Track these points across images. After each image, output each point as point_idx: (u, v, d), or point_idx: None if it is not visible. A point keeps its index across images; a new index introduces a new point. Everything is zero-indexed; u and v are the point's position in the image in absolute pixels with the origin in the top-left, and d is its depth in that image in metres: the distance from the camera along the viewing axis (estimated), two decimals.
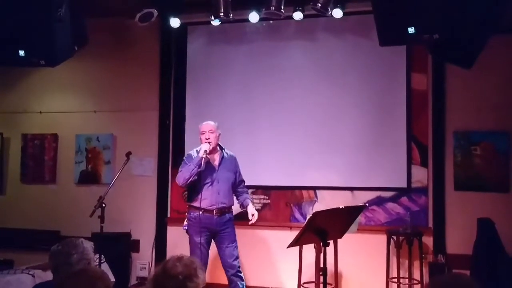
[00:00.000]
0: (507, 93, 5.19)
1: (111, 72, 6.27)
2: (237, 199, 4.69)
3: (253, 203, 4.72)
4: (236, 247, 4.52)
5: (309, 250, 4.80)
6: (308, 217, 3.46)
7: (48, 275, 2.57)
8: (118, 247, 5.68)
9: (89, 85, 6.35)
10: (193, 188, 4.44)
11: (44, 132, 6.43)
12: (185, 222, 4.50)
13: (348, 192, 5.49)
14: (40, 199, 6.37)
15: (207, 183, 4.41)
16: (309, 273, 5.17)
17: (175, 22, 5.64)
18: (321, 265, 3.63)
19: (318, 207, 5.39)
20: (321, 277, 3.58)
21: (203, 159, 4.30)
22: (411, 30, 3.03)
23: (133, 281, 5.92)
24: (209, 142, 4.41)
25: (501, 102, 5.20)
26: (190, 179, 4.37)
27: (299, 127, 5.63)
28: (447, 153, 5.32)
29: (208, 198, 4.39)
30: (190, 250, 4.44)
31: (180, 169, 4.54)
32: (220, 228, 4.44)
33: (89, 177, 6.22)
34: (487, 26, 3.22)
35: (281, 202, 5.60)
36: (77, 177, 6.28)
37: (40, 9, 3.38)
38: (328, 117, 5.59)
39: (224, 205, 4.45)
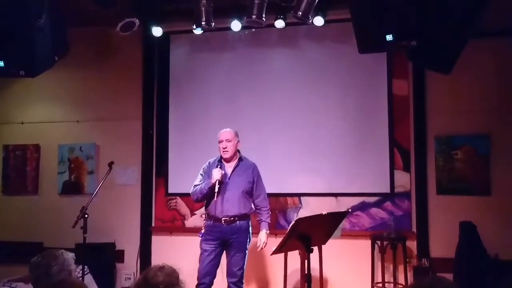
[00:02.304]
0: (487, 96, 5.28)
1: (93, 81, 6.24)
2: (257, 216, 4.54)
3: (268, 228, 4.47)
4: (244, 256, 4.38)
5: (294, 256, 4.81)
6: (291, 224, 3.47)
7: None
8: (103, 258, 5.64)
9: (71, 95, 6.31)
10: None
11: (26, 143, 6.36)
12: (202, 230, 4.43)
13: (332, 198, 5.52)
14: (22, 211, 6.29)
15: (219, 192, 4.32)
16: (294, 279, 5.19)
17: (157, 31, 5.64)
18: (306, 272, 3.65)
19: (303, 213, 5.41)
20: (306, 284, 3.59)
21: (217, 187, 4.24)
22: (389, 37, 3.08)
23: None
24: (225, 152, 4.37)
25: (481, 106, 5.28)
26: (202, 199, 4.40)
27: (282, 133, 5.66)
28: (429, 158, 5.38)
29: (217, 206, 4.31)
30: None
31: (195, 183, 4.46)
32: (230, 237, 4.33)
33: (72, 188, 6.17)
34: (464, 31, 3.28)
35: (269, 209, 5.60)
36: (60, 187, 6.22)
37: (20, 19, 3.36)
38: (311, 123, 5.63)
39: (234, 214, 4.32)
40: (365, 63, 5.38)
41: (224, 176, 4.34)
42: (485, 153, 5.24)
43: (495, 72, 5.28)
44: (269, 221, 4.51)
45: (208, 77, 5.94)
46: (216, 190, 4.24)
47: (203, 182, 4.40)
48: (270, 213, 4.56)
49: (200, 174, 4.51)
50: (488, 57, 5.27)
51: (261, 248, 4.40)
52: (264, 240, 4.38)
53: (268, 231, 4.43)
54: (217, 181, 4.25)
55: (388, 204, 5.42)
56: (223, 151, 4.38)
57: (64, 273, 2.42)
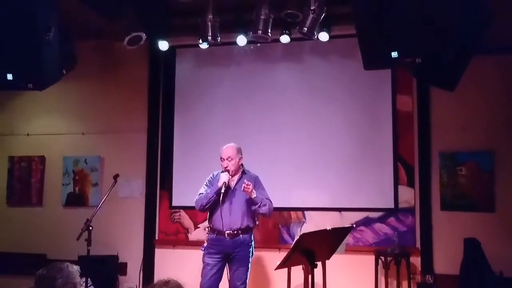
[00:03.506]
0: (491, 113, 5.29)
1: (99, 94, 6.28)
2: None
3: (261, 203, 4.36)
4: (247, 271, 4.35)
5: (298, 271, 4.79)
6: (295, 239, 3.47)
7: None
8: (105, 270, 5.62)
9: (77, 107, 6.34)
10: (210, 210, 4.41)
11: (31, 154, 6.39)
12: (205, 244, 4.42)
13: (336, 213, 5.50)
14: (26, 222, 6.29)
15: (222, 205, 4.29)
16: None
17: (163, 45, 5.69)
18: (310, 287, 3.64)
19: (307, 228, 5.39)
20: None
21: (223, 189, 4.24)
22: (394, 54, 3.10)
23: None
24: (227, 170, 4.37)
25: (485, 122, 5.29)
26: (207, 206, 4.36)
27: (286, 148, 5.67)
28: (433, 173, 5.38)
29: (220, 220, 4.28)
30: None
31: (200, 191, 4.46)
32: (233, 251, 4.31)
33: (76, 200, 6.18)
34: (468, 48, 3.31)
35: (269, 223, 5.60)
36: (64, 199, 6.23)
37: (28, 33, 3.41)
38: (315, 138, 5.64)
39: (237, 227, 4.31)
40: (370, 79, 5.40)
41: (228, 188, 4.34)
42: (489, 170, 5.23)
43: (499, 88, 5.29)
44: (263, 202, 4.37)
45: (213, 91, 5.97)
46: (222, 191, 4.22)
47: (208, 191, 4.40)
48: (269, 205, 4.42)
49: (205, 184, 4.51)
50: (493, 73, 5.29)
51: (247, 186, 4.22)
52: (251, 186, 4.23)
53: (253, 195, 4.29)
54: (224, 184, 4.24)
55: (392, 220, 5.40)
56: (225, 170, 4.38)
57: (68, 286, 2.41)
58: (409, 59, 3.17)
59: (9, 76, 3.39)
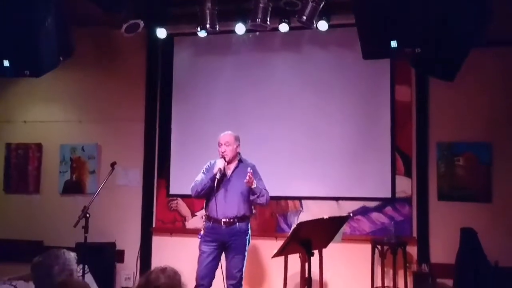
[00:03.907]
0: (490, 104, 5.29)
1: (96, 82, 6.25)
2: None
3: (260, 194, 4.39)
4: (243, 259, 4.36)
5: (295, 260, 4.81)
6: (292, 228, 3.48)
7: (31, 286, 2.55)
8: (103, 258, 5.63)
9: (74, 95, 6.32)
10: (207, 198, 4.42)
11: (28, 142, 6.38)
12: (201, 232, 4.43)
13: (333, 202, 5.52)
14: (24, 209, 6.30)
15: (217, 192, 4.31)
16: (294, 282, 5.19)
17: (161, 33, 5.66)
18: (306, 275, 3.66)
19: (304, 217, 5.41)
20: (306, 287, 3.60)
21: (218, 174, 4.25)
22: (393, 44, 3.08)
23: None
24: (224, 157, 4.36)
25: (484, 114, 5.29)
26: (202, 192, 4.36)
27: (284, 137, 5.67)
28: (431, 164, 5.39)
29: (216, 208, 4.29)
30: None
31: (196, 179, 4.46)
32: (229, 239, 4.32)
33: (73, 187, 6.18)
34: (468, 39, 3.29)
35: (266, 212, 5.62)
36: (61, 187, 6.23)
37: (26, 20, 3.38)
38: (313, 127, 5.63)
39: (233, 215, 4.32)
40: (368, 69, 5.39)
41: (224, 176, 4.34)
42: (486, 161, 5.24)
43: (498, 80, 5.29)
44: (262, 193, 4.39)
45: (211, 80, 5.95)
46: (218, 176, 4.22)
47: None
48: (266, 196, 4.44)
49: (202, 172, 4.51)
50: (492, 65, 5.28)
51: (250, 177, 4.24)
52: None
53: (254, 185, 4.30)
54: (219, 170, 4.24)
55: (389, 209, 5.42)
56: (222, 155, 4.38)
57: (65, 273, 2.43)
58: (408, 49, 3.16)
59: (6, 63, 3.37)
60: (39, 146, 6.35)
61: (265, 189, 4.47)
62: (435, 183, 5.35)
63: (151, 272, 2.16)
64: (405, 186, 5.40)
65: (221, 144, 4.39)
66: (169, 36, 5.82)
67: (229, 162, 4.42)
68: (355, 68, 5.51)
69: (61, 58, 3.66)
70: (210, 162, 4.52)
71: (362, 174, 5.47)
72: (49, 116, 6.36)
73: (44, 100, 6.44)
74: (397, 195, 5.41)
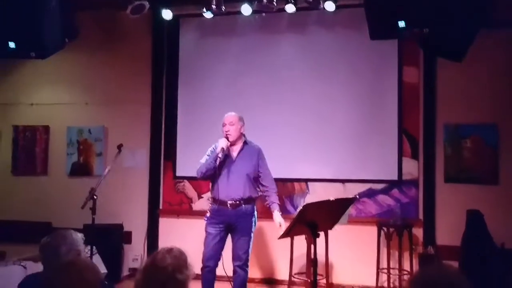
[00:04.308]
0: (497, 86, 5.24)
1: (102, 64, 6.25)
2: (265, 198, 4.50)
3: (279, 209, 4.42)
4: (249, 240, 4.35)
5: (301, 241, 4.84)
6: (298, 209, 3.49)
7: (40, 266, 2.58)
8: (110, 239, 5.69)
9: (80, 77, 6.32)
10: (212, 180, 4.42)
11: (35, 124, 6.41)
12: (207, 214, 4.43)
13: (339, 184, 5.52)
14: (32, 191, 6.36)
15: (223, 175, 4.30)
16: (300, 264, 5.23)
17: (167, 14, 5.63)
18: (312, 257, 3.67)
19: (310, 199, 5.41)
20: (312, 268, 3.62)
21: (221, 154, 4.24)
22: (401, 24, 3.05)
23: (125, 272, 5.93)
24: (227, 136, 4.34)
25: (491, 96, 5.24)
26: (207, 173, 4.34)
27: (290, 119, 5.65)
28: (438, 146, 5.37)
29: (222, 190, 4.29)
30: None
31: (201, 160, 4.44)
32: (235, 221, 4.31)
33: (81, 169, 6.22)
34: (477, 20, 3.25)
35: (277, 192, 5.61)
36: (68, 169, 6.27)
37: (30, 2, 3.37)
38: (320, 109, 5.61)
39: (239, 197, 4.31)
40: (376, 50, 5.35)
41: (228, 157, 4.35)
42: (493, 143, 5.21)
43: (506, 62, 5.22)
44: (279, 203, 4.47)
45: (217, 62, 5.92)
46: (220, 155, 4.22)
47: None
48: (278, 195, 4.51)
49: (207, 154, 4.51)
50: (500, 48, 5.21)
51: (282, 227, 4.25)
52: (279, 220, 4.32)
53: (280, 212, 4.39)
54: (222, 149, 4.26)
55: (395, 191, 5.42)
56: (226, 135, 4.37)
57: (72, 253, 2.44)
58: (417, 29, 3.12)
59: (12, 45, 3.37)
60: (46, 128, 6.38)
61: (272, 180, 4.48)
62: (442, 166, 5.33)
63: (157, 253, 2.16)
64: (412, 168, 5.39)
65: (225, 124, 4.38)
66: (175, 18, 5.79)
67: (233, 144, 4.40)
68: (362, 50, 5.46)
69: (66, 40, 3.66)
70: (215, 145, 4.52)
71: (368, 156, 5.46)
72: (56, 99, 6.38)
73: (51, 83, 6.45)
74: (404, 177, 5.40)
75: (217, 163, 4.24)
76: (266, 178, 4.46)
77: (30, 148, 6.41)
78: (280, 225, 4.30)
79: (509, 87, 5.19)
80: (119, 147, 4.57)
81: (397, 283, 5.24)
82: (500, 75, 5.24)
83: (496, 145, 5.20)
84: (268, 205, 4.45)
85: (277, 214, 4.36)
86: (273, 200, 4.43)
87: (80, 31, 3.99)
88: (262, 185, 4.45)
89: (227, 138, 4.34)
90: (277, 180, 4.65)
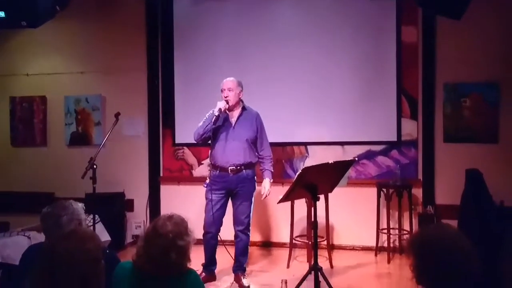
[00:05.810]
0: (497, 44, 5.17)
1: (96, 32, 6.15)
2: (260, 165, 4.51)
3: (271, 177, 4.46)
4: (250, 204, 4.40)
5: (301, 204, 4.87)
6: (298, 173, 3.49)
7: (43, 236, 2.61)
8: (113, 207, 5.75)
9: (75, 46, 6.24)
10: (212, 147, 4.41)
11: (32, 95, 6.36)
12: (207, 180, 4.44)
13: (339, 147, 5.53)
14: (32, 162, 6.38)
15: (222, 140, 4.32)
16: (301, 226, 5.29)
17: None
18: (312, 219, 3.71)
19: (310, 162, 5.43)
20: (313, 231, 3.66)
21: (217, 112, 4.22)
22: None
23: (129, 239, 6.01)
24: (227, 101, 4.35)
25: (491, 54, 5.18)
26: (204, 135, 4.33)
27: (289, 83, 5.61)
28: (437, 106, 5.34)
29: (223, 156, 4.30)
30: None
31: (198, 125, 4.43)
32: (236, 186, 4.33)
33: (80, 139, 6.22)
34: None
35: (272, 158, 5.62)
36: (68, 139, 6.27)
37: None
38: (318, 72, 5.56)
39: (240, 162, 4.32)
40: (374, 10, 5.28)
41: (226, 121, 4.33)
42: (493, 101, 5.18)
43: (506, 21, 5.13)
44: (272, 170, 4.49)
45: (214, 25, 5.83)
46: (216, 113, 4.19)
47: None
48: (273, 162, 4.54)
49: (205, 117, 4.49)
50: (500, 5, 5.11)
51: (266, 196, 4.42)
52: (268, 188, 4.39)
53: (271, 180, 4.44)
54: (220, 110, 4.24)
55: (394, 153, 5.43)
56: (225, 100, 4.35)
57: (74, 223, 2.46)
58: None
59: (2, 14, 3.31)
60: (43, 99, 6.34)
61: (268, 148, 4.49)
62: (441, 125, 5.32)
63: (158, 219, 2.19)
64: (411, 129, 5.39)
65: (224, 90, 4.35)
66: None
67: (232, 109, 4.38)
68: (360, 9, 5.38)
69: (57, 8, 3.58)
70: (213, 110, 4.49)
71: (367, 118, 5.44)
72: (51, 68, 6.31)
73: (45, 52, 6.37)
74: (403, 138, 5.40)
75: (215, 124, 4.22)
76: (263, 146, 4.47)
77: (28, 119, 6.39)
78: (264, 188, 4.37)
79: (510, 44, 5.12)
80: (117, 115, 4.54)
81: (397, 243, 5.31)
82: (501, 32, 5.15)
83: (496, 103, 5.16)
84: (262, 170, 4.47)
85: (267, 181, 4.40)
86: (267, 167, 4.46)
87: None
88: (259, 154, 4.46)
89: (227, 102, 4.32)
90: (276, 144, 4.66)
